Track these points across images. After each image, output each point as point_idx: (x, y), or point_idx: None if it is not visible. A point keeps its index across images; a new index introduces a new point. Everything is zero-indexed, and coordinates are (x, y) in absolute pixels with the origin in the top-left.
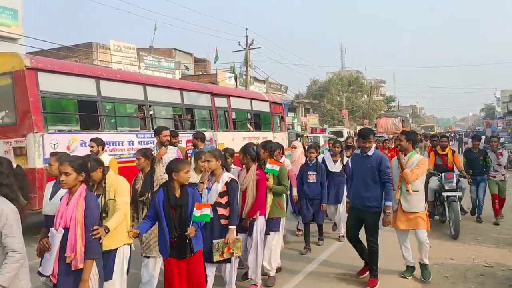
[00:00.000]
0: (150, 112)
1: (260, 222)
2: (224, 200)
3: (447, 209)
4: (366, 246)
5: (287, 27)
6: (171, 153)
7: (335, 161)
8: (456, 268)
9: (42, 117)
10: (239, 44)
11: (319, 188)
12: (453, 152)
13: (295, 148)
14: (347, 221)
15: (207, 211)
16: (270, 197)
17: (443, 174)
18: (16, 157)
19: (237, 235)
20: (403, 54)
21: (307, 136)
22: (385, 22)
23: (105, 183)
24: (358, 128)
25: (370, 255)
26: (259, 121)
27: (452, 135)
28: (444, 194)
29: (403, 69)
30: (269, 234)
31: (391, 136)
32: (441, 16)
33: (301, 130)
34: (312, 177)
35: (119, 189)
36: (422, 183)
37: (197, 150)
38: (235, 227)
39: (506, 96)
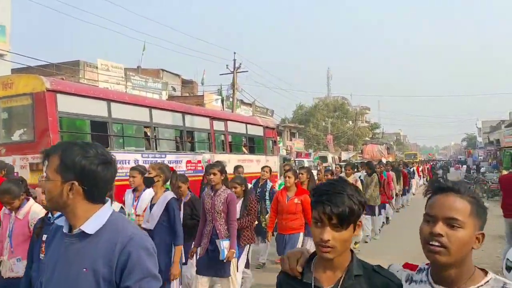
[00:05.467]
0: (154, 133)
1: None
2: None
3: None
4: None
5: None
6: None
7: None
8: None
9: (59, 135)
10: (227, 67)
11: None
12: None
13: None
14: None
15: None
16: None
17: None
18: (32, 172)
19: None
20: (388, 83)
21: (294, 160)
22: (371, 52)
23: None
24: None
25: None
26: (253, 145)
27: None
28: None
29: (387, 97)
30: None
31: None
32: (426, 46)
33: (286, 154)
34: None
35: None
36: None
37: None
38: None
39: (487, 127)
